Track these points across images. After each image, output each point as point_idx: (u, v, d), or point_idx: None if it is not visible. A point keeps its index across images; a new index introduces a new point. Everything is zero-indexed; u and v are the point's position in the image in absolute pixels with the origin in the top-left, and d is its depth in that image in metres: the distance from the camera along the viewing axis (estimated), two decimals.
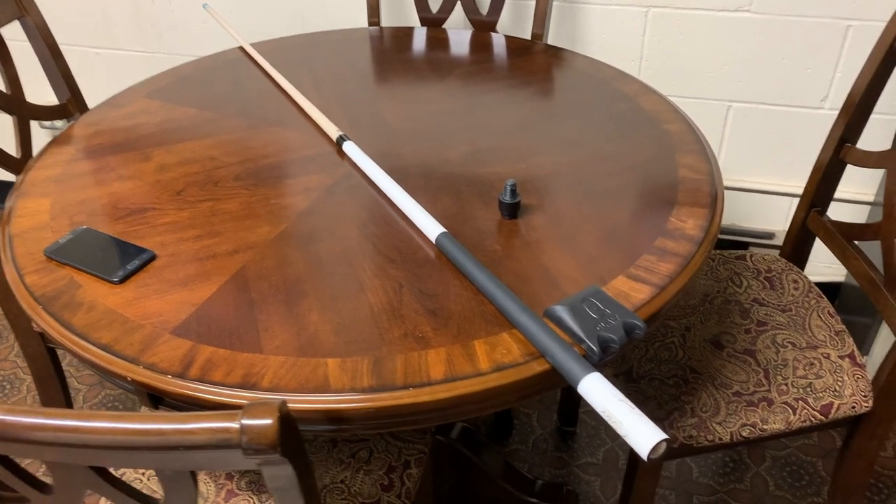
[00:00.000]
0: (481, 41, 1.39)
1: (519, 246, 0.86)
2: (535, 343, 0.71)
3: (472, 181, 0.97)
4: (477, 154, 1.03)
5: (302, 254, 0.86)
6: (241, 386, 0.70)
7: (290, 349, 0.74)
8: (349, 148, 1.03)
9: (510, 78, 1.24)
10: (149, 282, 0.83)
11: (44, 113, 1.30)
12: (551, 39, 1.63)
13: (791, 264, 1.27)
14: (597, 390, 0.66)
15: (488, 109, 1.14)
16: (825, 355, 1.09)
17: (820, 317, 1.15)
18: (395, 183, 0.95)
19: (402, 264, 0.84)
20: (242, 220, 0.92)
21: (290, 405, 0.67)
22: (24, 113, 1.25)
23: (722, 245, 1.78)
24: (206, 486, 0.93)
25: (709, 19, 1.52)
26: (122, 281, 0.83)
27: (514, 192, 0.89)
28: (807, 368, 1.07)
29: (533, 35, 1.46)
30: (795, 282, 1.22)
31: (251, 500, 0.92)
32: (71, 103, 1.35)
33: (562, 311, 0.74)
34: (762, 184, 1.70)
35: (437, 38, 1.41)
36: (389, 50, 1.37)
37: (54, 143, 1.10)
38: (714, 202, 0.92)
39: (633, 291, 0.79)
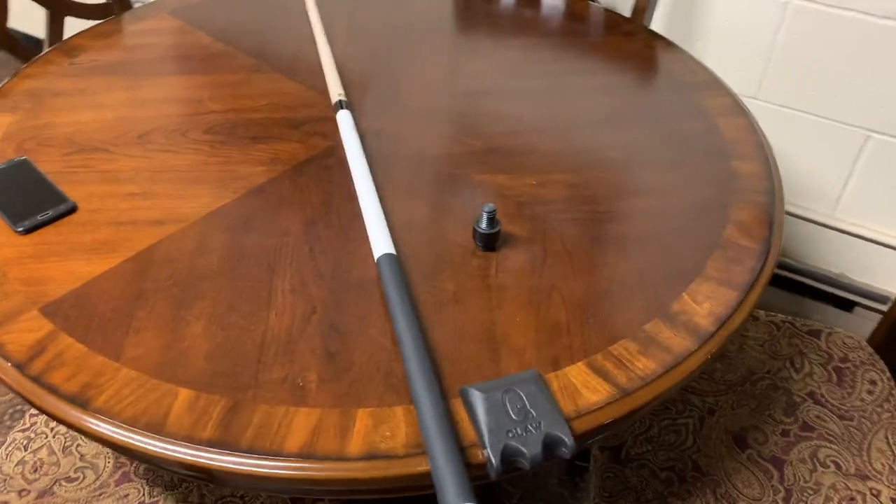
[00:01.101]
0: (572, 12, 1.17)
1: (477, 289, 0.69)
2: (423, 434, 0.55)
3: (467, 189, 0.80)
4: (490, 154, 0.85)
5: (225, 242, 0.73)
6: (74, 399, 0.59)
7: (148, 364, 0.62)
8: (343, 118, 0.87)
9: (577, 63, 1.03)
10: (53, 239, 0.73)
11: (82, 10, 1.22)
12: (663, 18, 1.37)
13: (877, 357, 1.01)
14: None
15: (533, 99, 0.95)
16: (875, 492, 0.85)
17: (888, 439, 0.90)
18: (368, 174, 0.79)
19: (330, 282, 0.69)
20: (188, 184, 0.80)
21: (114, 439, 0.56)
22: (57, 7, 1.18)
23: (819, 296, 1.49)
24: (105, 461, 0.85)
25: (863, 25, 1.21)
26: (27, 232, 0.74)
27: (491, 221, 0.72)
28: (844, 503, 0.84)
29: (635, 10, 1.22)
30: (873, 382, 0.97)
31: (142, 490, 0.83)
32: (116, 3, 1.26)
33: (476, 398, 0.58)
34: (890, 237, 1.39)
35: (522, 1, 1.20)
36: (456, 6, 1.18)
37: (54, 50, 1.02)
38: (752, 286, 0.70)
39: (586, 389, 0.60)
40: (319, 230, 0.75)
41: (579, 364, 0.62)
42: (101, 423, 0.57)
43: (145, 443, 0.56)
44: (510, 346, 0.64)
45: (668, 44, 1.08)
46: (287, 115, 0.91)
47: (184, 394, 0.59)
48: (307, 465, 0.55)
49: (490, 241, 0.73)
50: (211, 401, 0.59)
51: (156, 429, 0.57)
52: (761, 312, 1.06)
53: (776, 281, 1.50)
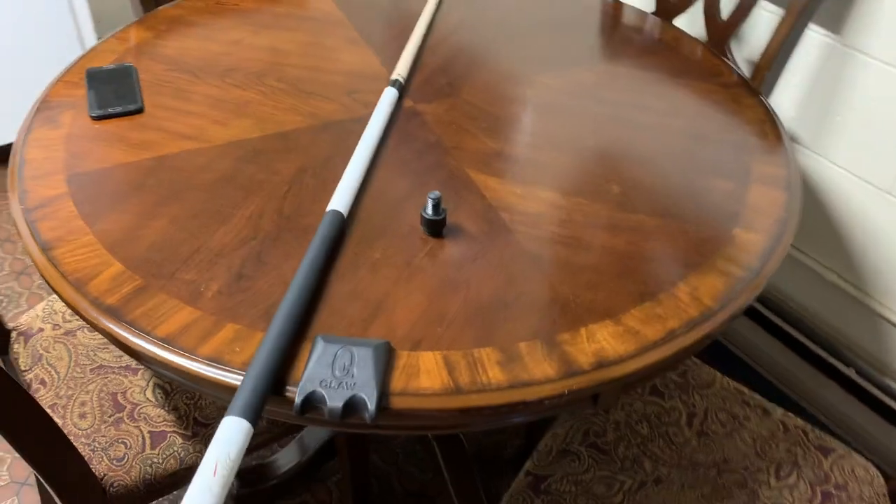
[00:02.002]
0: (676, 48, 1.14)
1: (396, 264, 0.73)
2: (254, 355, 0.62)
3: (454, 181, 0.84)
4: (500, 157, 0.88)
5: (227, 166, 0.84)
6: (45, 244, 0.73)
7: (107, 238, 0.74)
8: (387, 94, 0.95)
9: (650, 98, 1.00)
10: (110, 128, 0.89)
11: None
12: (795, 86, 1.26)
13: (886, 501, 0.88)
14: (222, 436, 0.56)
15: (581, 120, 0.95)
16: None
17: None
18: (372, 144, 0.86)
19: (282, 220, 0.77)
20: (233, 115, 0.93)
21: (45, 274, 0.69)
22: None
23: (874, 405, 1.29)
24: None
25: None
26: (97, 118, 0.90)
27: (436, 208, 0.75)
28: None
29: (757, 68, 1.15)
30: None
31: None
32: None
33: (317, 345, 0.63)
34: None
35: (652, 36, 1.19)
36: (580, 23, 1.20)
37: None
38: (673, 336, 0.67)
39: (426, 375, 0.63)
40: (306, 178, 0.83)
41: (436, 353, 0.65)
42: (48, 265, 0.71)
43: (65, 290, 0.69)
44: (389, 317, 0.68)
45: (756, 105, 1.01)
46: (349, 82, 1.00)
47: (115, 267, 0.71)
48: (160, 349, 0.64)
49: (433, 227, 0.76)
50: (130, 278, 0.70)
51: (79, 284, 0.69)
52: (778, 410, 0.97)
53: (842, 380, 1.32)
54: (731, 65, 1.10)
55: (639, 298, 0.71)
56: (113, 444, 0.87)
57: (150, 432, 0.89)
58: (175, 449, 0.88)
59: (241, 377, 0.62)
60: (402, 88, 0.98)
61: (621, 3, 1.27)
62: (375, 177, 0.84)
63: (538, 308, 0.69)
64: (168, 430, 0.89)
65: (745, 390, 0.99)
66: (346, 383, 0.60)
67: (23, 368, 0.97)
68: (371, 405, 0.59)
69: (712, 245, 0.77)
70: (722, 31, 1.22)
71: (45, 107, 0.92)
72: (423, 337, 0.66)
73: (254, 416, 0.58)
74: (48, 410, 0.91)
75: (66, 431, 0.88)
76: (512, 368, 0.64)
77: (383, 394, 0.61)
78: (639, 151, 0.90)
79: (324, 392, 0.60)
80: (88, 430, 0.88)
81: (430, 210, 0.75)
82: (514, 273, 0.73)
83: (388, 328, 0.67)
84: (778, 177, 0.87)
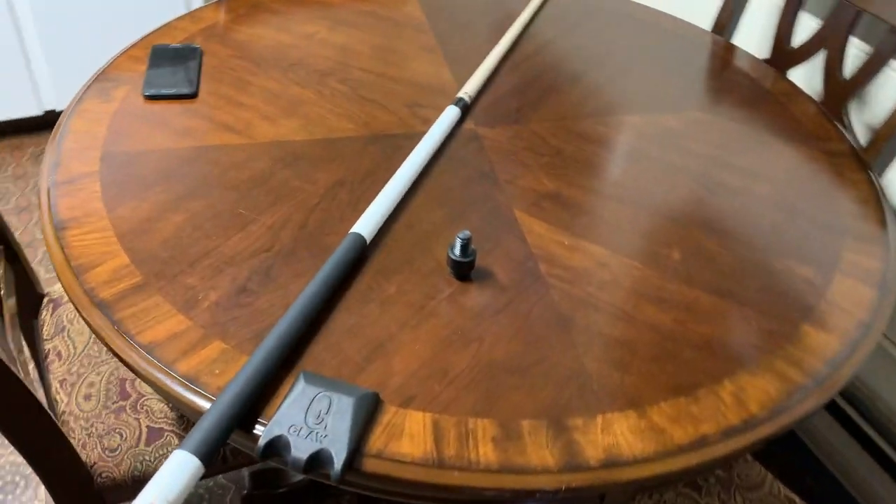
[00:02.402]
0: (796, 111, 1.02)
1: (409, 303, 0.66)
2: (229, 384, 0.57)
3: (495, 220, 0.77)
4: (553, 199, 0.80)
5: (263, 167, 0.80)
6: (60, 223, 0.71)
7: (122, 226, 0.71)
8: (448, 113, 0.88)
9: (743, 157, 0.89)
10: (158, 109, 0.87)
11: None
12: None
13: None
14: (166, 473, 0.51)
15: (654, 172, 0.86)
16: None
17: None
18: (418, 166, 0.80)
19: (302, 235, 0.72)
20: (284, 113, 0.88)
21: (52, 253, 0.67)
22: None
23: None
24: None
25: None
26: (149, 98, 0.88)
27: (464, 249, 0.68)
28: None
29: (874, 138, 1.01)
30: None
31: None
32: None
33: (297, 384, 0.57)
34: None
35: (760, 86, 1.07)
36: (683, 62, 1.10)
37: None
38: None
39: (409, 439, 0.56)
40: (341, 192, 0.78)
41: (427, 415, 0.58)
42: (55, 245, 0.68)
43: (65, 274, 0.66)
44: (387, 363, 0.61)
45: (862, 182, 0.88)
46: (413, 94, 0.94)
47: (120, 259, 0.68)
48: (138, 357, 0.60)
49: (459, 269, 0.69)
50: (131, 274, 0.67)
51: (80, 271, 0.66)
52: (780, 486, 0.85)
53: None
54: (844, 131, 0.97)
55: (673, 391, 0.62)
56: (109, 433, 0.85)
57: (148, 427, 0.86)
58: (169, 449, 0.85)
59: (204, 402, 0.57)
60: (467, 108, 0.91)
61: (733, 46, 1.15)
62: (413, 201, 0.77)
63: (554, 381, 0.61)
64: (166, 428, 0.86)
65: (798, 502, 0.87)
66: (317, 433, 0.54)
67: (45, 336, 0.96)
68: (337, 464, 0.53)
69: (774, 340, 0.67)
70: (841, 91, 1.09)
71: (103, 78, 0.91)
72: (418, 393, 0.59)
73: (208, 454, 0.52)
74: (56, 385, 0.90)
75: (67, 411, 0.87)
76: (507, 448, 0.56)
77: (355, 452, 0.54)
78: (713, 216, 0.80)
79: (290, 439, 0.54)
80: (89, 414, 0.86)
81: (457, 250, 0.68)
82: (537, 335, 0.65)
83: (383, 375, 0.60)
84: (871, 271, 0.75)
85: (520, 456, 0.56)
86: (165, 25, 1.02)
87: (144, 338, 0.61)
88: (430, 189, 0.79)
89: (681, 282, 0.72)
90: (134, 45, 0.97)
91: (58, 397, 0.89)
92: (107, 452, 0.84)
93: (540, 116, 0.93)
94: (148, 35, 1.00)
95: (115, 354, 0.62)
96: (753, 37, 1.30)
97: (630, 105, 0.97)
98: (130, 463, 0.83)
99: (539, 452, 0.56)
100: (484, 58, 1.02)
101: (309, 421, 0.55)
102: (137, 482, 0.84)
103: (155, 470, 0.84)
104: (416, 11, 1.13)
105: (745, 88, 1.04)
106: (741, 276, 0.73)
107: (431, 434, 0.57)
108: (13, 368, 0.68)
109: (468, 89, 0.93)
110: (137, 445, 0.84)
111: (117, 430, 0.85)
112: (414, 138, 0.86)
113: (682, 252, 0.75)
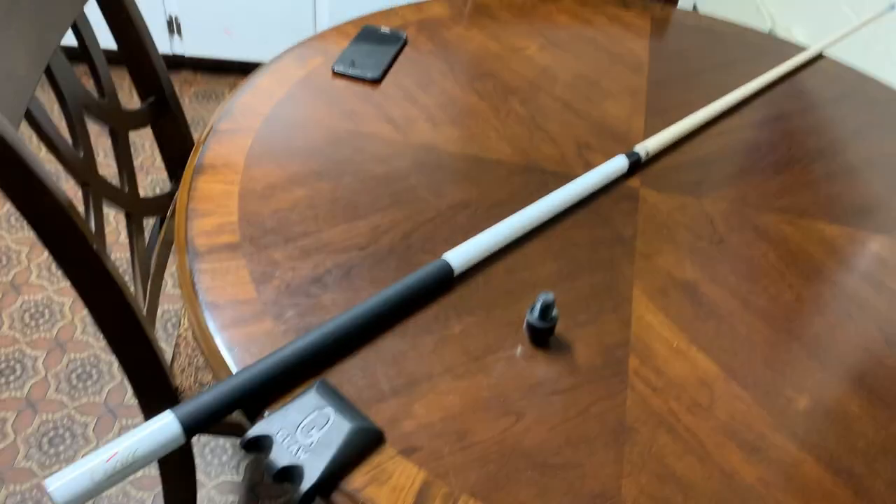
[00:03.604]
0: None
1: (465, 350, 0.61)
2: (252, 365, 0.57)
3: (610, 297, 0.68)
4: (685, 293, 0.69)
5: (398, 168, 0.79)
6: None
7: (241, 208, 0.74)
8: (614, 161, 0.80)
9: None
10: (339, 87, 0.89)
11: None
12: None
13: None
14: (147, 428, 0.52)
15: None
16: None
17: None
18: (550, 209, 0.74)
19: (400, 247, 0.70)
20: (449, 122, 0.86)
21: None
22: None
23: None
24: None
25: None
26: (336, 74, 0.91)
27: (544, 313, 0.61)
28: None
29: None
30: None
31: None
32: None
33: (312, 395, 0.55)
34: None
35: None
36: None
37: None
38: None
39: (390, 490, 0.52)
40: (460, 214, 0.74)
41: (422, 472, 0.53)
42: (186, 187, 0.73)
43: (181, 214, 0.70)
44: (408, 404, 0.57)
45: None
46: (588, 133, 0.87)
47: (230, 216, 0.71)
48: (197, 310, 0.62)
49: (535, 334, 0.63)
50: (232, 231, 0.69)
51: (193, 215, 0.70)
52: None
53: None
54: None
55: None
56: (206, 368, 0.90)
57: None
58: None
59: (229, 382, 0.57)
60: (638, 163, 0.82)
61: None
62: (528, 245, 0.72)
63: (576, 492, 0.53)
64: None
65: None
66: (301, 447, 0.52)
67: None
68: (304, 485, 0.50)
69: None
70: None
71: (306, 45, 0.96)
72: (424, 447, 0.55)
73: (193, 426, 0.53)
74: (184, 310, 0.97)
75: (183, 335, 0.94)
76: None
77: (328, 481, 0.51)
78: (877, 377, 0.64)
79: (275, 442, 0.52)
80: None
81: (536, 313, 0.62)
82: (585, 434, 0.57)
83: (399, 414, 0.56)
84: None
85: None
86: (389, 10, 1.05)
87: (209, 295, 0.63)
88: (554, 237, 0.73)
89: (791, 437, 0.59)
90: (349, 22, 1.01)
91: (184, 320, 0.96)
92: (197, 384, 0.89)
93: (720, 195, 0.81)
94: (368, 15, 1.03)
95: (185, 299, 0.64)
96: None
97: (837, 212, 0.81)
98: None
99: None
100: (688, 115, 0.92)
101: (300, 431, 0.53)
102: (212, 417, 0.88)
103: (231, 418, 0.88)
104: (641, 50, 1.04)
105: None
106: (875, 458, 0.58)
107: (414, 494, 0.52)
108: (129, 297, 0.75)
109: (649, 144, 0.84)
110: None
111: None
112: (567, 179, 0.80)
113: (811, 404, 0.61)
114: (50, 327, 1.50)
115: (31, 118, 0.71)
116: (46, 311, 1.52)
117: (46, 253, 1.63)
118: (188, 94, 2.18)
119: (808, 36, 1.65)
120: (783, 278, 0.72)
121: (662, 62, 1.02)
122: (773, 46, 1.10)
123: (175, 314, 1.57)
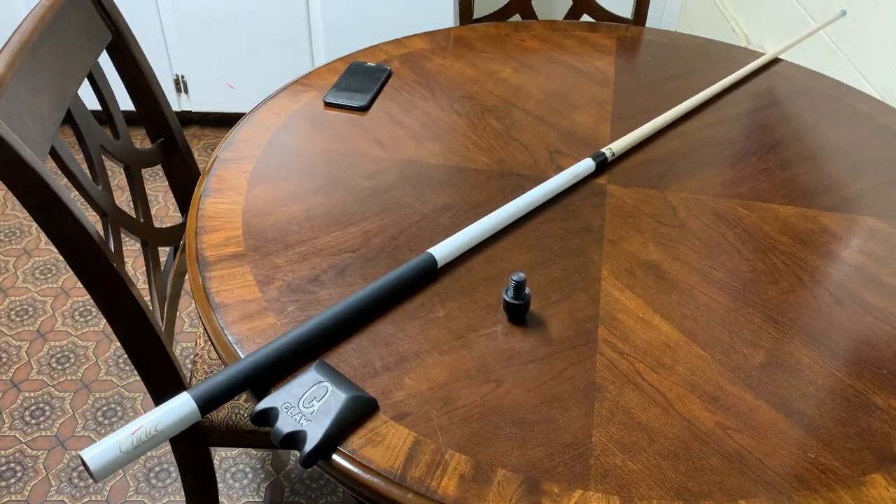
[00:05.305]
0: None
1: (449, 329, 0.68)
2: (259, 350, 0.64)
3: (581, 282, 0.75)
4: (654, 285, 0.76)
5: (385, 183, 0.87)
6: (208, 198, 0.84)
7: (256, 205, 0.82)
8: (581, 164, 0.88)
9: None
10: (331, 116, 0.98)
11: (602, 14, 1.40)
12: None
13: None
14: (168, 407, 0.59)
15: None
16: None
17: None
18: (523, 207, 0.81)
19: (389, 246, 0.77)
20: (431, 139, 0.95)
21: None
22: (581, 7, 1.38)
23: None
24: None
25: None
26: (327, 105, 1.00)
27: (517, 291, 0.68)
28: None
29: None
30: None
31: None
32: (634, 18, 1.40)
33: (311, 372, 0.62)
34: None
35: None
36: (888, 165, 0.97)
37: (541, 23, 1.23)
38: None
39: (387, 451, 0.58)
40: (443, 216, 0.82)
41: (412, 434, 0.60)
42: (195, 209, 0.81)
43: (191, 230, 0.78)
44: (398, 378, 0.64)
45: None
46: (558, 141, 0.95)
47: (236, 230, 0.79)
48: (207, 302, 0.69)
49: (511, 311, 0.70)
50: (237, 243, 0.77)
51: (203, 231, 0.78)
52: None
53: None
54: None
55: (674, 492, 0.56)
56: None
57: None
58: None
59: (237, 365, 0.64)
60: (605, 163, 0.90)
61: None
62: (505, 239, 0.79)
63: (551, 443, 0.59)
64: None
65: None
66: (303, 414, 0.59)
67: None
68: (307, 447, 0.57)
69: (827, 480, 0.58)
70: None
71: (301, 82, 1.05)
72: (413, 412, 0.61)
73: (207, 404, 0.60)
74: (201, 330, 1.05)
75: (200, 354, 1.01)
76: (469, 489, 0.56)
77: (329, 443, 0.58)
78: (828, 331, 0.71)
79: (280, 413, 0.59)
80: (214, 363, 0.99)
81: (510, 292, 0.69)
82: (557, 395, 0.63)
83: (391, 387, 0.63)
84: None
85: (478, 499, 0.55)
86: (373, 46, 1.14)
87: (219, 297, 0.71)
88: (528, 231, 0.80)
89: (747, 387, 0.65)
90: (338, 59, 1.11)
91: (199, 340, 1.04)
92: None
93: (680, 187, 0.89)
94: (354, 53, 1.13)
95: (197, 302, 0.72)
96: None
97: (791, 194, 0.88)
98: (228, 412, 0.95)
99: (499, 503, 0.55)
100: (649, 119, 0.99)
101: (302, 402, 0.60)
102: (230, 430, 0.95)
103: (246, 425, 0.95)
104: (607, 66, 1.13)
105: None
106: (823, 401, 0.64)
107: (406, 452, 0.58)
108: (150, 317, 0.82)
109: (615, 146, 0.92)
110: (238, 399, 0.95)
111: None
112: (540, 181, 0.87)
113: (766, 359, 0.68)
114: (76, 370, 1.57)
115: (54, 154, 0.80)
116: (72, 354, 1.60)
117: (70, 301, 1.72)
118: (196, 147, 2.30)
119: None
120: (740, 254, 0.79)
121: (627, 75, 1.11)
122: (732, 55, 1.18)
123: (192, 350, 1.64)
